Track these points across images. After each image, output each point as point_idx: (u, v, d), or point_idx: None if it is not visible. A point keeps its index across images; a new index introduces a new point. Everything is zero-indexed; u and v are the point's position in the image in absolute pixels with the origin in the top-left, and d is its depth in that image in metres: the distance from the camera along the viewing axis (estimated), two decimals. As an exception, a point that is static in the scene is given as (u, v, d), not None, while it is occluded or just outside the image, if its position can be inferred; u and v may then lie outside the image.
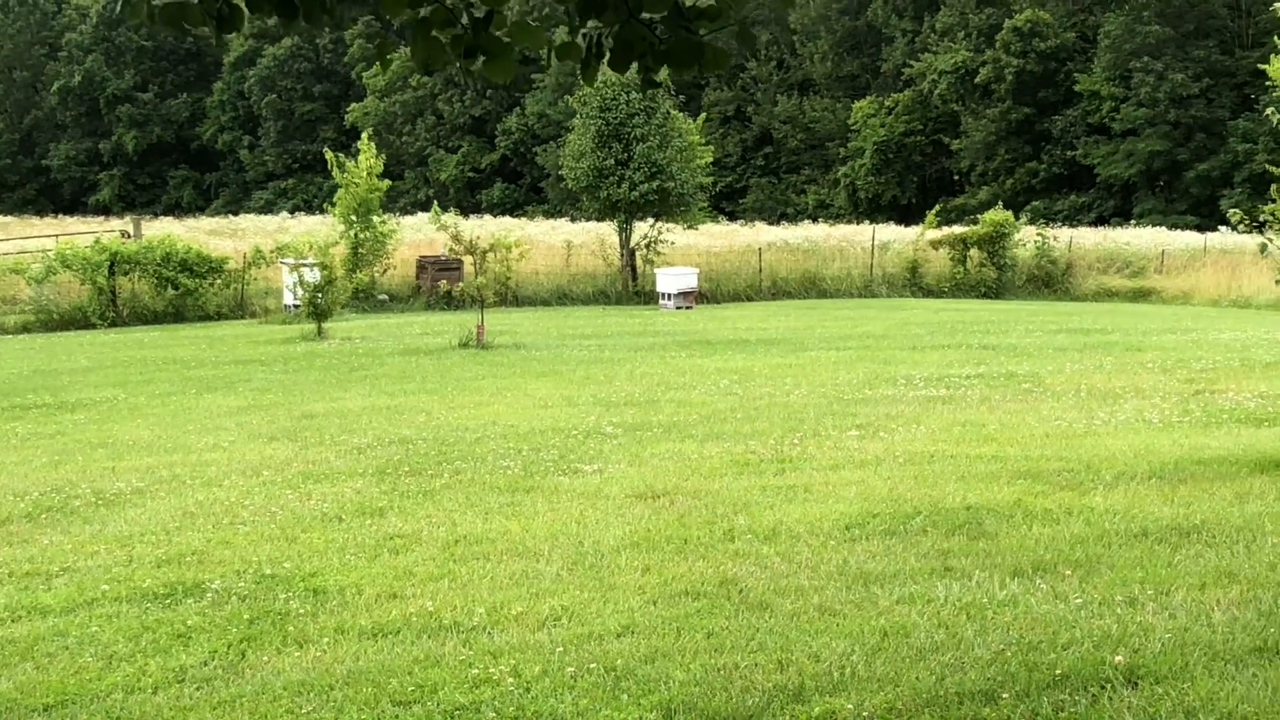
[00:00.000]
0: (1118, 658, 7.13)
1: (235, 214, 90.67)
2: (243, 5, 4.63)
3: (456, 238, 24.97)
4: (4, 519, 11.43)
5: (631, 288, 43.35)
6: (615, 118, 43.08)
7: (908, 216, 79.71)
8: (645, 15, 5.04)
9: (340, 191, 39.91)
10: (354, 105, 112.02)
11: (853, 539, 9.83)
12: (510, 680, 7.12)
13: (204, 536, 10.50)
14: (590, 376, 20.61)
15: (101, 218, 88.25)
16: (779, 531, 10.07)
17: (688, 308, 38.91)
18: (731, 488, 11.77)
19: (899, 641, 7.57)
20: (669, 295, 39.89)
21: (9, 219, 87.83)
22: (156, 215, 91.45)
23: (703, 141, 45.87)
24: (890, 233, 58.41)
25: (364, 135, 40.87)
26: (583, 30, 5.15)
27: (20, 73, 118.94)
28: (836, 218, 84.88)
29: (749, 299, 43.60)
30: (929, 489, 11.42)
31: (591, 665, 7.29)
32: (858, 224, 70.07)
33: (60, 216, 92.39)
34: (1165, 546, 9.38)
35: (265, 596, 8.80)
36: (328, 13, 4.72)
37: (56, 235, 50.56)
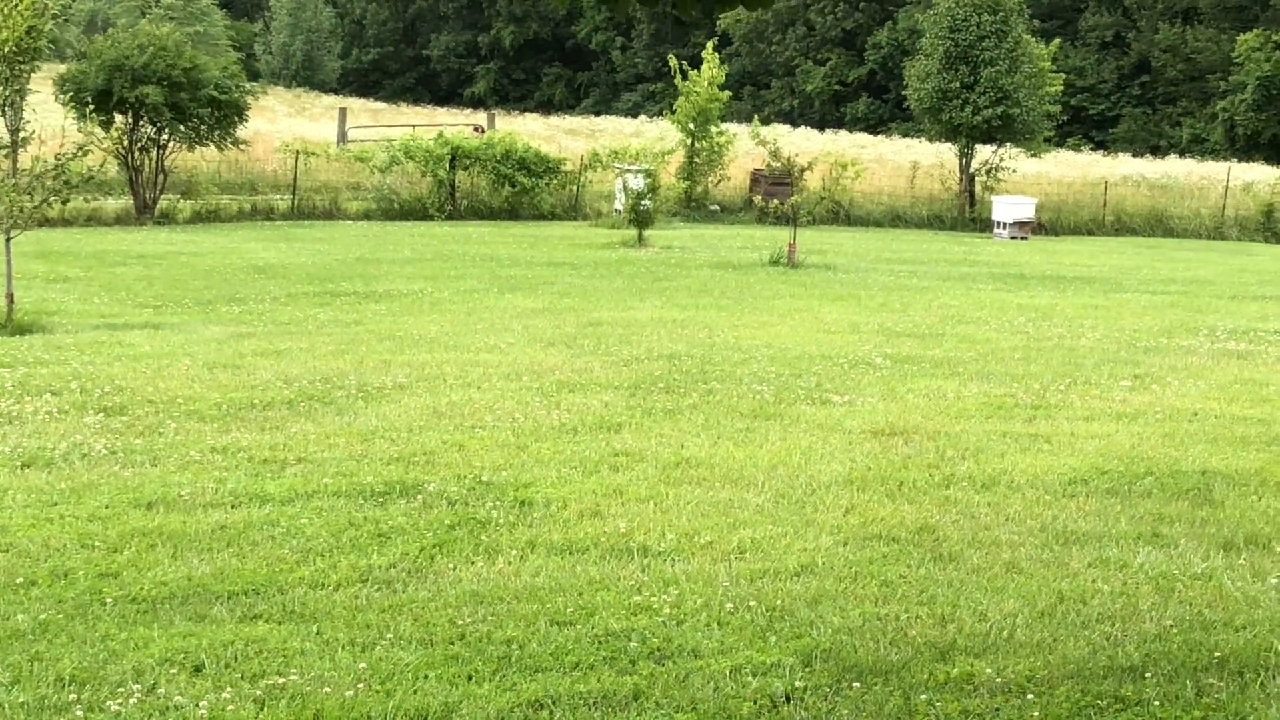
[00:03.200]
0: (1286, 645, 6.87)
1: (600, 115, 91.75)
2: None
3: (775, 154, 24.84)
4: (267, 404, 11.96)
5: (968, 214, 42.60)
6: (965, 39, 42.21)
7: (1288, 157, 76.30)
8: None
9: (681, 100, 40.04)
10: (727, 12, 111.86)
11: (1071, 495, 9.62)
12: (668, 610, 7.19)
13: (441, 438, 10.82)
14: (886, 304, 20.42)
15: (470, 110, 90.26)
16: (999, 481, 9.91)
17: (1022, 238, 38.05)
18: (972, 431, 11.59)
19: (1072, 608, 7.41)
20: (1004, 224, 39.08)
21: (382, 105, 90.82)
22: (525, 111, 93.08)
23: (1054, 69, 44.63)
24: (1257, 173, 56.15)
25: (709, 45, 40.83)
26: None
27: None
28: (1211, 154, 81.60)
29: (1089, 233, 42.44)
30: (1173, 449, 11.06)
31: (752, 603, 7.32)
32: (1234, 161, 67.29)
33: (432, 107, 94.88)
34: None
35: (474, 503, 9.05)
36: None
37: (413, 125, 51.95)
